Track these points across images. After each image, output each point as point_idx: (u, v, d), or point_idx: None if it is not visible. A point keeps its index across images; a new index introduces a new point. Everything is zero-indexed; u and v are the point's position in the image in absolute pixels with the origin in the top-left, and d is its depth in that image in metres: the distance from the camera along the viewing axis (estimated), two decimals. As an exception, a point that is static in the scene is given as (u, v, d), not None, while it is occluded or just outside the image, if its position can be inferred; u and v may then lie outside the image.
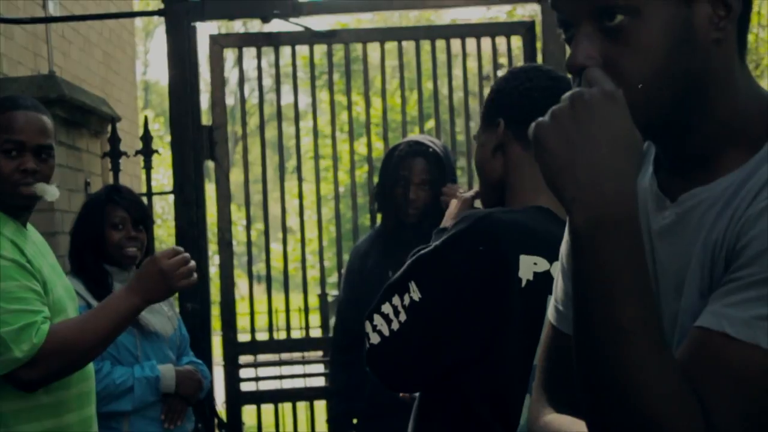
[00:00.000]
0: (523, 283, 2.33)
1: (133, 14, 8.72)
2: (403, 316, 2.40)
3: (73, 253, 4.24)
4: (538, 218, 2.40)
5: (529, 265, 2.34)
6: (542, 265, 2.35)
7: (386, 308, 2.44)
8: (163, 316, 4.24)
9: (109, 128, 5.68)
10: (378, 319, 2.45)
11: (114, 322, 3.17)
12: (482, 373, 2.37)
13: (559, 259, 1.78)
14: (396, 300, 2.42)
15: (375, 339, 2.44)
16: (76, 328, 3.12)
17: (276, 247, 15.08)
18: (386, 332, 2.42)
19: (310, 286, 6.08)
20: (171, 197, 7.97)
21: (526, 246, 2.35)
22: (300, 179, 5.85)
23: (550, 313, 1.73)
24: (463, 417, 2.41)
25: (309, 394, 5.84)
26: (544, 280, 2.32)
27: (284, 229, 5.85)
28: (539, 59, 5.83)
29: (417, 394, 2.65)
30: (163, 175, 17.47)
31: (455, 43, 5.89)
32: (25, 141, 3.16)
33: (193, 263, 3.25)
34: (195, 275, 3.26)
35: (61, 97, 5.10)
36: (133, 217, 4.24)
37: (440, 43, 5.97)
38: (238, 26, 26.56)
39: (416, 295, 2.38)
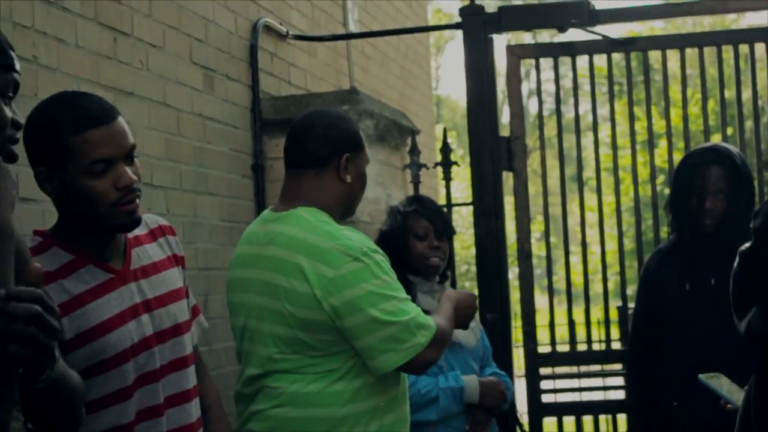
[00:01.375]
0: None
1: (430, 28, 8.83)
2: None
3: (377, 264, 4.31)
4: None
5: None
6: None
7: None
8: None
9: (409, 141, 5.78)
10: None
11: (452, 327, 3.33)
12: None
13: None
14: None
15: None
16: (444, 322, 3.25)
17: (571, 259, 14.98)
18: None
19: (610, 298, 5.99)
20: (464, 209, 8.03)
21: None
22: (599, 190, 5.77)
23: None
24: None
25: (610, 407, 5.75)
26: None
27: (584, 242, 5.79)
28: None
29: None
30: (455, 188, 17.66)
31: (759, 47, 5.68)
32: None
33: None
34: None
35: (363, 110, 5.23)
36: (436, 228, 4.27)
37: (742, 48, 5.76)
38: (527, 37, 26.58)
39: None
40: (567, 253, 5.79)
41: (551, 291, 5.79)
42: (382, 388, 3.20)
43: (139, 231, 2.83)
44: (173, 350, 2.79)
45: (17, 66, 2.06)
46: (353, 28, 7.07)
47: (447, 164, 5.62)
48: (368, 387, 3.17)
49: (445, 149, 5.65)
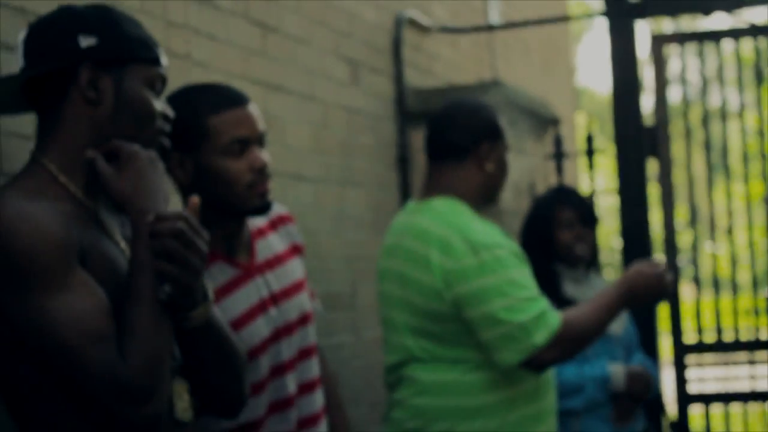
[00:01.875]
0: None
1: (575, 18, 8.78)
2: None
3: (522, 253, 4.33)
4: None
5: None
6: None
7: None
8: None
9: (550, 131, 5.77)
10: None
11: (609, 316, 3.26)
12: None
13: None
14: None
15: None
16: (583, 317, 3.21)
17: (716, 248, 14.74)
18: None
19: (759, 287, 5.91)
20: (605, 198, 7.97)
21: None
22: (747, 179, 5.69)
23: None
24: None
25: (759, 396, 5.67)
26: None
27: (731, 230, 5.71)
28: None
29: None
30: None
31: None
32: None
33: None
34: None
35: (506, 101, 5.25)
36: (581, 217, 4.27)
37: None
38: (666, 26, 26.13)
39: None
40: (713, 241, 5.73)
41: (697, 279, 5.74)
42: (518, 378, 3.20)
43: (260, 222, 2.80)
44: (301, 342, 2.78)
45: (163, 60, 2.13)
46: (495, 18, 7.08)
47: (591, 153, 5.61)
48: (503, 377, 3.17)
49: (589, 138, 5.63)
